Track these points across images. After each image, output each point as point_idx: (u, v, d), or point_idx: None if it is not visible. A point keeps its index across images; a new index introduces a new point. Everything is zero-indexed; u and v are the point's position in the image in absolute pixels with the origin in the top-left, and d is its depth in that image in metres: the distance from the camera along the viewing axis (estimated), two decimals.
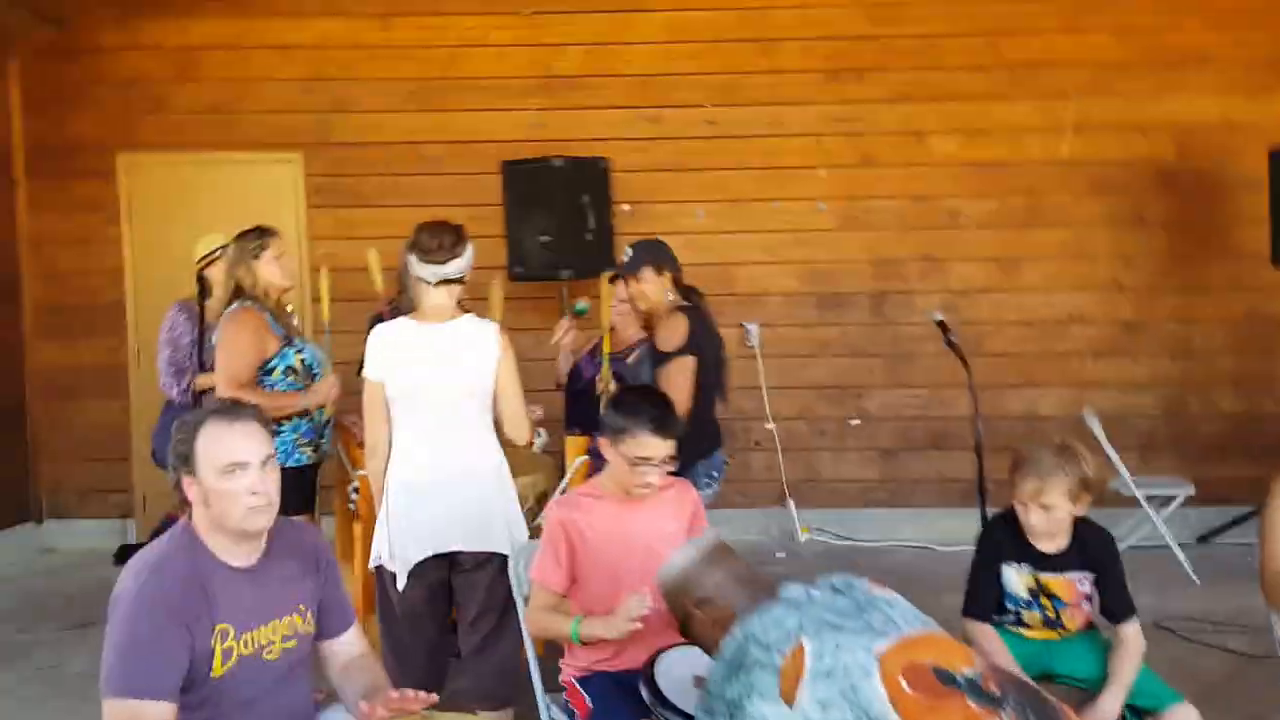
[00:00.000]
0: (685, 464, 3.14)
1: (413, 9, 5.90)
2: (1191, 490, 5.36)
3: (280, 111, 5.93)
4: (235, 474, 2.06)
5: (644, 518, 2.68)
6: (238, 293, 3.65)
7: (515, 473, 3.53)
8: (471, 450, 3.11)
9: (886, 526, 5.90)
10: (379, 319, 3.78)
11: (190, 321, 4.39)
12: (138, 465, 5.93)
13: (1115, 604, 2.70)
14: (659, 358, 3.70)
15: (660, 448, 2.60)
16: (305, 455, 3.67)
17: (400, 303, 3.97)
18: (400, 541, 3.04)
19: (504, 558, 3.03)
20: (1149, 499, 5.25)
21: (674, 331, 3.67)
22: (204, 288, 4.39)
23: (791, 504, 5.96)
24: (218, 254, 4.29)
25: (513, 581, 2.89)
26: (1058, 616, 2.70)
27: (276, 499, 2.13)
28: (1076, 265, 5.93)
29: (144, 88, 5.94)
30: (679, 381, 3.59)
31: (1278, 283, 5.66)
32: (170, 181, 5.95)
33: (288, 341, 3.66)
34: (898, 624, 1.77)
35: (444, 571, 3.11)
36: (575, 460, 3.88)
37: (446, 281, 3.09)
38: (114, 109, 5.95)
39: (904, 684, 1.65)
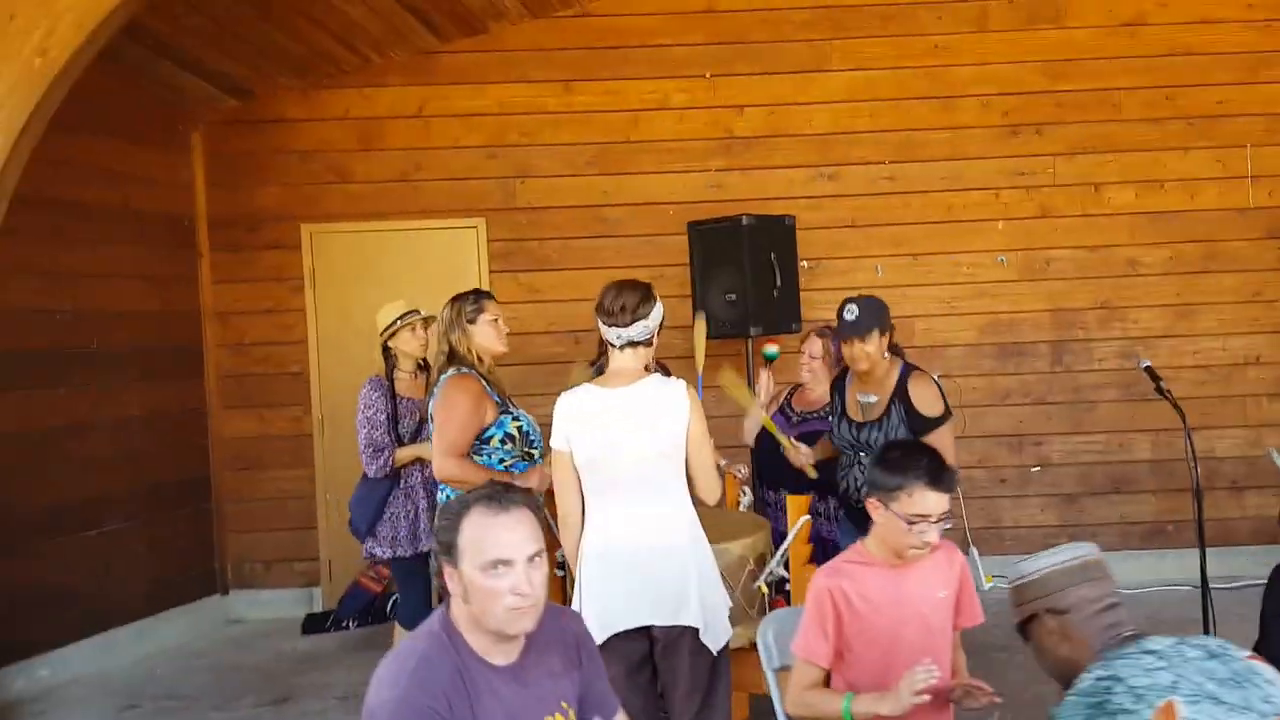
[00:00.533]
0: None
1: (594, 74, 5.97)
2: None
3: (462, 178, 5.99)
4: (499, 571, 1.90)
5: (915, 583, 2.54)
6: (451, 358, 3.53)
7: (732, 535, 3.43)
8: (665, 518, 2.97)
9: None
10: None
11: (383, 397, 4.24)
12: (324, 533, 5.96)
13: None
14: (923, 422, 3.63)
15: (939, 503, 2.46)
16: None
17: (603, 364, 4.02)
18: (593, 615, 2.90)
19: (698, 632, 2.92)
20: None
21: (934, 395, 3.66)
22: (389, 359, 4.28)
23: (975, 551, 5.95)
24: (397, 325, 4.24)
25: (761, 654, 2.75)
26: None
27: (543, 598, 1.97)
28: (1251, 309, 6.01)
29: (326, 158, 6.00)
30: (948, 444, 3.55)
31: None
32: (353, 251, 6.00)
33: (505, 408, 3.55)
34: (1275, 704, 1.72)
35: (643, 645, 2.97)
36: (798, 520, 3.72)
37: (633, 344, 2.99)
38: (297, 179, 6.00)
39: None
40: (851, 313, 3.66)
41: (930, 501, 2.45)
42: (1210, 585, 4.13)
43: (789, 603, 3.67)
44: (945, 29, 5.96)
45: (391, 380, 4.26)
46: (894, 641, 2.50)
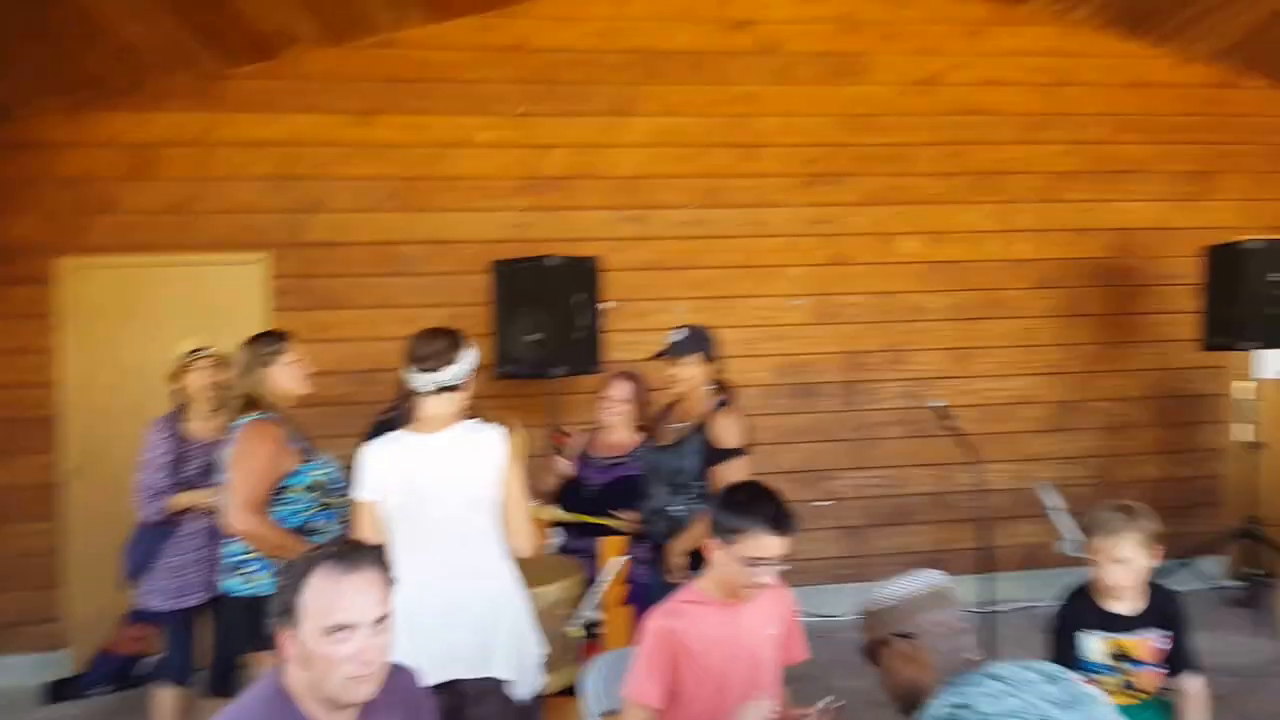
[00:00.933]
0: None
1: (395, 107, 5.69)
2: None
3: (247, 211, 5.61)
4: (340, 636, 1.81)
5: (748, 621, 2.60)
6: (249, 403, 3.35)
7: (545, 579, 3.40)
8: (478, 568, 2.90)
9: (854, 600, 6.29)
10: (385, 427, 3.45)
11: (170, 438, 3.96)
12: (74, 591, 5.51)
13: (1184, 657, 2.86)
14: (717, 453, 3.72)
15: (779, 546, 2.50)
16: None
17: (401, 410, 3.95)
18: None
19: (508, 684, 2.91)
20: None
21: (732, 429, 3.74)
22: (180, 399, 4.03)
23: None
24: (187, 362, 4.00)
25: (585, 699, 2.77)
26: (1130, 683, 2.83)
27: (384, 664, 1.90)
28: (1023, 354, 6.43)
29: (92, 186, 5.48)
30: (740, 477, 3.58)
31: (1196, 364, 6.38)
32: (119, 286, 5.52)
33: (306, 456, 3.38)
34: None
35: (454, 699, 2.86)
36: (612, 560, 3.70)
37: (445, 389, 2.93)
38: (56, 208, 5.46)
39: None
40: (678, 335, 3.79)
41: (771, 546, 2.49)
42: (986, 609, 4.41)
43: (602, 646, 3.65)
44: (752, 81, 5.99)
45: (179, 421, 4.00)
46: (725, 679, 2.54)
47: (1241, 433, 6.31)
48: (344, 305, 5.71)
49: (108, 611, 5.29)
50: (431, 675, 2.75)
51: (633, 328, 5.95)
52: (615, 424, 4.33)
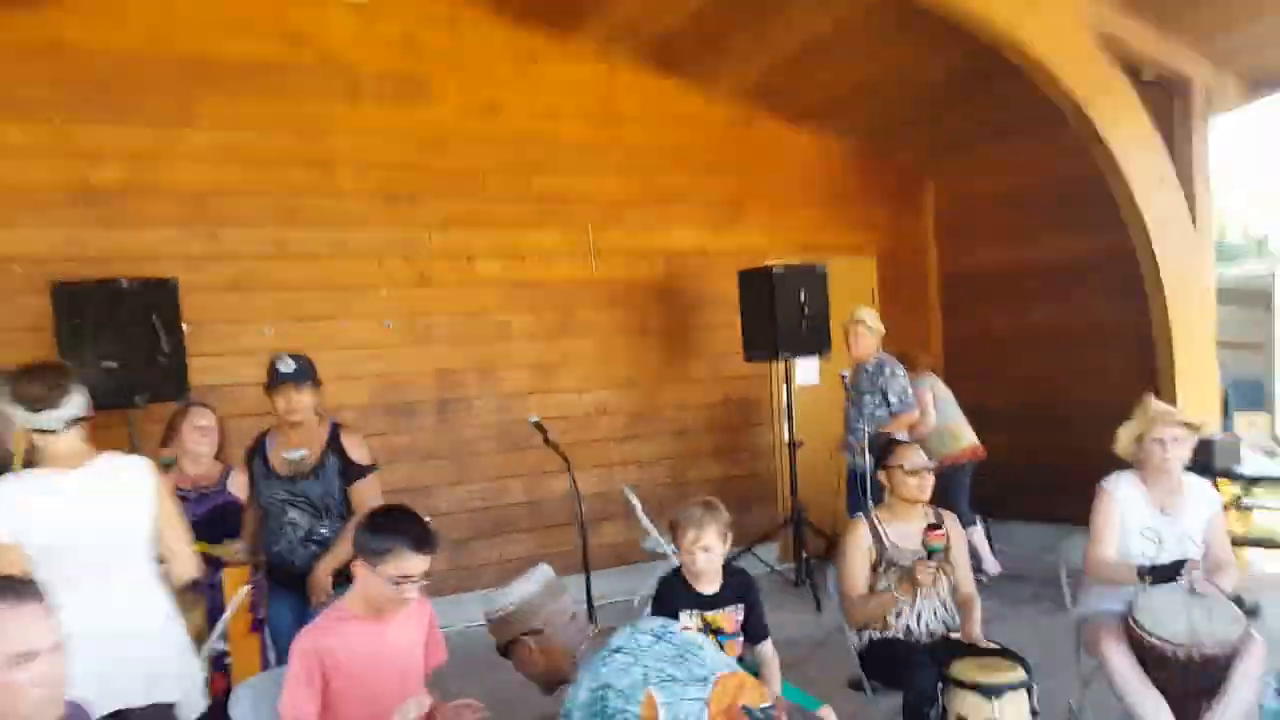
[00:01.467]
0: None
1: None
2: None
3: None
4: (24, 665, 1.90)
5: (394, 632, 2.78)
6: None
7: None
8: (138, 600, 2.95)
9: (457, 611, 6.24)
10: None
11: None
12: None
13: (758, 628, 3.38)
14: (357, 470, 3.90)
15: (421, 564, 2.70)
16: None
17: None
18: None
19: (175, 706, 2.93)
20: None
21: (362, 446, 3.95)
22: None
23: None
24: None
25: None
26: (721, 649, 3.21)
27: (63, 689, 1.99)
28: (602, 368, 6.97)
29: None
30: (377, 492, 3.92)
31: (744, 374, 7.29)
32: None
33: None
34: (709, 667, 2.35)
35: None
36: (239, 590, 3.75)
37: (75, 421, 2.93)
38: None
39: None
40: (287, 365, 3.88)
41: (415, 563, 2.68)
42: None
43: (229, 677, 3.76)
44: (320, 97, 6.01)
45: None
46: (375, 689, 2.69)
47: (784, 433, 7.26)
48: None
49: None
50: (98, 708, 2.73)
51: (216, 351, 5.67)
52: (205, 454, 4.26)
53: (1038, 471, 7.10)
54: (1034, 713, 3.26)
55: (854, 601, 3.69)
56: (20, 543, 2.80)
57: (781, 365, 6.97)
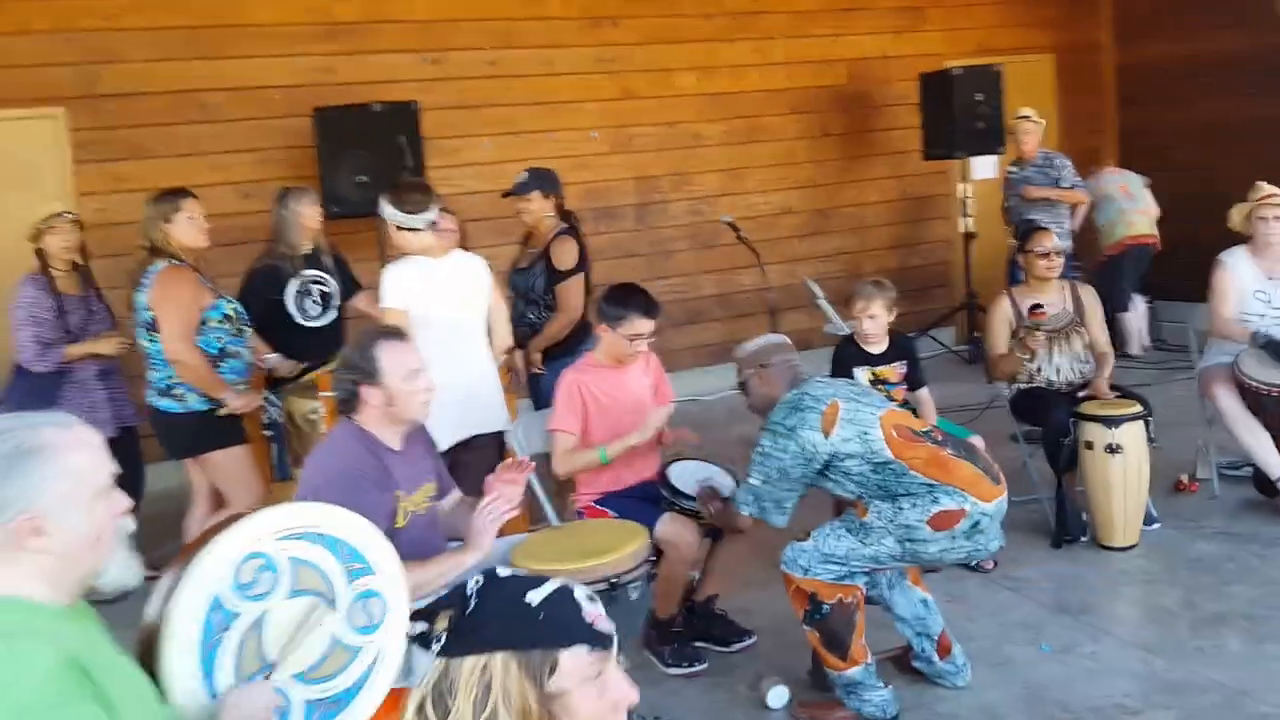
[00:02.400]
0: (580, 349, 4.18)
1: None
2: None
3: (32, 65, 5.61)
4: (414, 378, 2.73)
5: (630, 379, 3.59)
6: (155, 253, 3.83)
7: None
8: (479, 359, 3.84)
9: (689, 383, 6.95)
10: (269, 271, 4.40)
11: (46, 294, 4.30)
12: None
13: (917, 378, 4.10)
14: (557, 275, 4.61)
15: (649, 326, 3.47)
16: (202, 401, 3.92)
17: (275, 251, 4.53)
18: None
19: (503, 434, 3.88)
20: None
21: (568, 253, 4.63)
22: (43, 259, 4.33)
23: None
24: (52, 223, 4.31)
25: (515, 445, 3.76)
26: (889, 397, 3.86)
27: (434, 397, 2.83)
28: (784, 171, 7.52)
29: None
30: (575, 293, 4.63)
31: (922, 171, 7.69)
32: None
33: (216, 293, 3.94)
34: (884, 404, 3.24)
35: (459, 455, 3.68)
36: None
37: (432, 224, 3.77)
38: None
39: (893, 432, 3.08)
40: (521, 177, 4.67)
41: (644, 325, 3.46)
42: None
43: None
44: None
45: (50, 278, 4.31)
46: (618, 421, 3.49)
47: (961, 226, 7.68)
48: (148, 155, 5.85)
49: None
50: (450, 436, 3.58)
51: (443, 164, 6.51)
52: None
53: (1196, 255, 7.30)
54: (1150, 439, 4.08)
55: (993, 360, 4.53)
56: (408, 308, 3.62)
57: (959, 163, 7.35)
